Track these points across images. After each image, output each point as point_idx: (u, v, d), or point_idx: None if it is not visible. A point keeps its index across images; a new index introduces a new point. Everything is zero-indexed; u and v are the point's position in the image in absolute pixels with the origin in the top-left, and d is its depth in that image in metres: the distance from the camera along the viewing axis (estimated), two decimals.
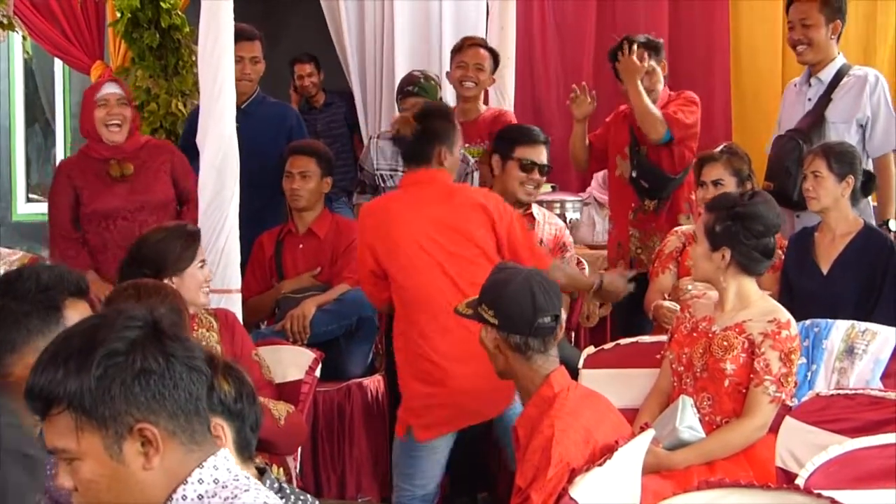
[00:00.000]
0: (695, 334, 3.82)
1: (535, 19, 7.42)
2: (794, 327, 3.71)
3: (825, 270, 4.53)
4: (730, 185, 4.77)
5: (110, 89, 5.03)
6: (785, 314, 3.73)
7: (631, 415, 3.78)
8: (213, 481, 1.84)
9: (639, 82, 5.26)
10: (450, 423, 4.15)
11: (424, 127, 4.29)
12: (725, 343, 3.70)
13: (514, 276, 3.33)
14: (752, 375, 3.65)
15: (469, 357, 3.81)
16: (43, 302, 2.50)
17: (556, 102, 7.42)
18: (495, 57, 5.80)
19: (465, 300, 3.47)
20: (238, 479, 1.86)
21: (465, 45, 5.75)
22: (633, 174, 5.41)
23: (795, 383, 3.70)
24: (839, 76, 5.16)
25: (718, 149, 4.99)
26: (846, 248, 4.52)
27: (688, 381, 3.79)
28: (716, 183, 4.81)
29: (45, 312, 2.48)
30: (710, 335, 3.76)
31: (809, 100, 5.21)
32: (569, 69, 7.48)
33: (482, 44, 5.82)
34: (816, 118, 5.11)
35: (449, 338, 4.04)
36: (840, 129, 5.04)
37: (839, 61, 5.20)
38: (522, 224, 4.46)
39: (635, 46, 5.27)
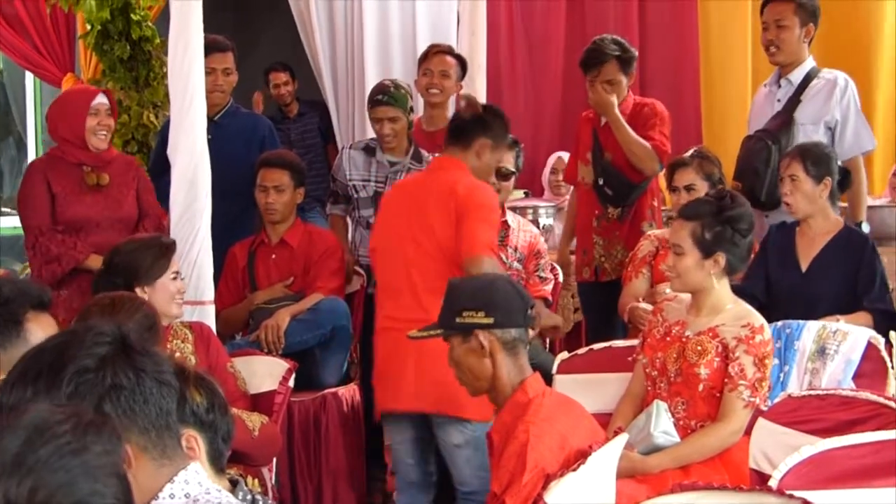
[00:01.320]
0: (668, 339, 3.82)
1: (502, 22, 7.36)
2: (768, 332, 3.72)
3: (804, 268, 4.55)
4: (702, 190, 4.76)
5: (102, 99, 4.97)
6: (758, 318, 3.73)
7: (605, 419, 3.79)
8: (185, 496, 1.84)
9: (619, 116, 5.20)
10: (385, 397, 4.27)
11: (483, 115, 4.36)
12: (699, 347, 3.70)
13: (490, 276, 3.38)
14: (726, 380, 3.65)
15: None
16: (3, 315, 2.50)
17: (525, 106, 7.39)
18: (462, 63, 5.79)
19: (418, 328, 3.44)
20: (209, 493, 1.86)
21: (431, 53, 5.74)
22: (599, 181, 5.37)
23: (769, 387, 3.72)
24: (809, 78, 5.20)
25: (689, 153, 4.99)
26: (825, 247, 4.54)
27: (662, 385, 3.79)
28: (688, 188, 4.82)
29: (5, 326, 2.48)
30: (684, 340, 3.76)
31: (779, 101, 5.24)
32: (537, 72, 7.46)
33: (448, 51, 5.80)
34: (785, 119, 5.13)
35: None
36: (808, 131, 5.07)
37: (809, 63, 5.23)
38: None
39: (598, 85, 5.24)
